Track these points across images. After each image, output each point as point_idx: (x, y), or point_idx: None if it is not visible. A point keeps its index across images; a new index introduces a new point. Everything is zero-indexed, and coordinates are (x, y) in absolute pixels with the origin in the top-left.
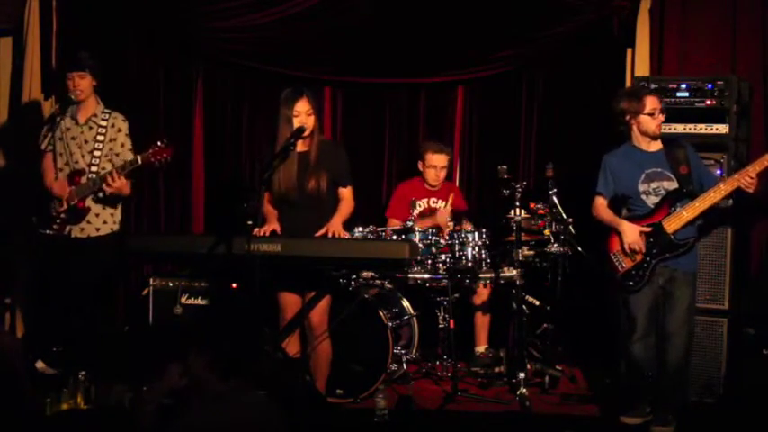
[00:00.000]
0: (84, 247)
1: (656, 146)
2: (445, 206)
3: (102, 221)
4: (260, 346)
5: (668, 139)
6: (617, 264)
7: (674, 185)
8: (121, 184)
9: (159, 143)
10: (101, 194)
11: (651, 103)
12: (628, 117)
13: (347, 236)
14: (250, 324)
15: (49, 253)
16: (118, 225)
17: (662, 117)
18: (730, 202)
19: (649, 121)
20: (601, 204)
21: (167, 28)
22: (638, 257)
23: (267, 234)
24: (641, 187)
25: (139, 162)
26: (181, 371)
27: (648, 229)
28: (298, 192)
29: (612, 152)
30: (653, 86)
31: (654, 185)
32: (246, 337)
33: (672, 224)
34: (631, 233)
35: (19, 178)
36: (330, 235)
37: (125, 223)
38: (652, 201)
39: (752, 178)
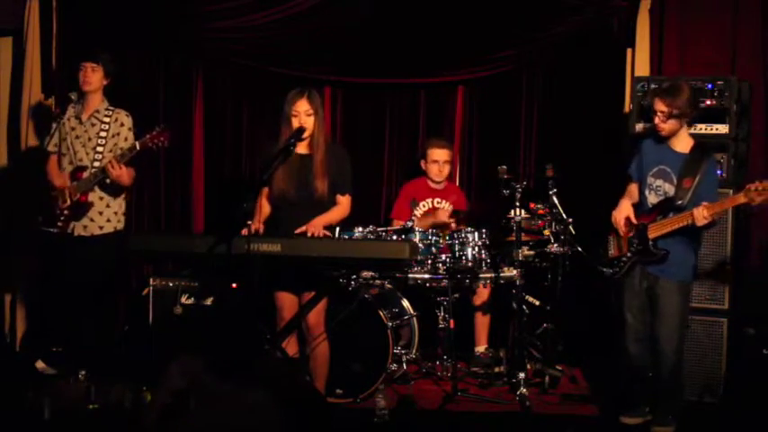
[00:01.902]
0: (87, 245)
1: (683, 147)
2: (447, 205)
3: (106, 219)
4: (259, 345)
5: (700, 146)
6: (609, 249)
7: (672, 191)
8: (121, 173)
9: (157, 128)
10: (104, 182)
11: (654, 103)
12: None
13: (327, 235)
14: (250, 324)
15: (53, 251)
16: (122, 223)
17: (659, 119)
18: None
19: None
20: (629, 185)
21: (167, 28)
22: (624, 248)
23: (258, 229)
24: (649, 179)
25: (138, 148)
26: (180, 371)
27: (635, 222)
28: (298, 194)
29: (649, 138)
30: (653, 86)
31: (657, 183)
32: (246, 336)
33: (654, 231)
34: (622, 210)
35: (19, 178)
36: (309, 234)
37: (127, 221)
38: (652, 199)
39: (705, 217)
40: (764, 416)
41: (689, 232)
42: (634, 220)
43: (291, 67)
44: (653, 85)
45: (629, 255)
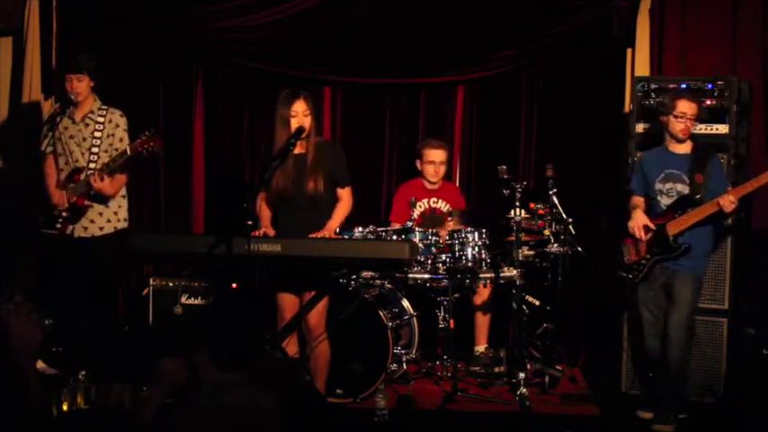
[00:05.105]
0: (87, 246)
1: (685, 149)
2: (445, 206)
3: (106, 220)
4: (261, 344)
5: (700, 145)
6: (624, 255)
7: (686, 190)
8: (102, 185)
9: (146, 132)
10: (91, 192)
11: (681, 106)
12: (661, 113)
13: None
14: (251, 322)
15: (52, 253)
16: (122, 223)
17: (690, 123)
18: (729, 221)
19: (675, 122)
20: (633, 199)
21: (167, 28)
22: (642, 251)
23: (268, 233)
24: (657, 186)
25: (129, 153)
26: (182, 367)
27: (653, 227)
28: (295, 193)
29: (647, 151)
30: (653, 86)
31: (668, 186)
32: (249, 334)
33: (673, 228)
34: (638, 219)
35: (19, 178)
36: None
37: (129, 221)
38: (665, 202)
39: (732, 202)
40: (764, 416)
41: (709, 226)
42: (651, 225)
43: (291, 67)
44: (653, 85)
45: (648, 256)
